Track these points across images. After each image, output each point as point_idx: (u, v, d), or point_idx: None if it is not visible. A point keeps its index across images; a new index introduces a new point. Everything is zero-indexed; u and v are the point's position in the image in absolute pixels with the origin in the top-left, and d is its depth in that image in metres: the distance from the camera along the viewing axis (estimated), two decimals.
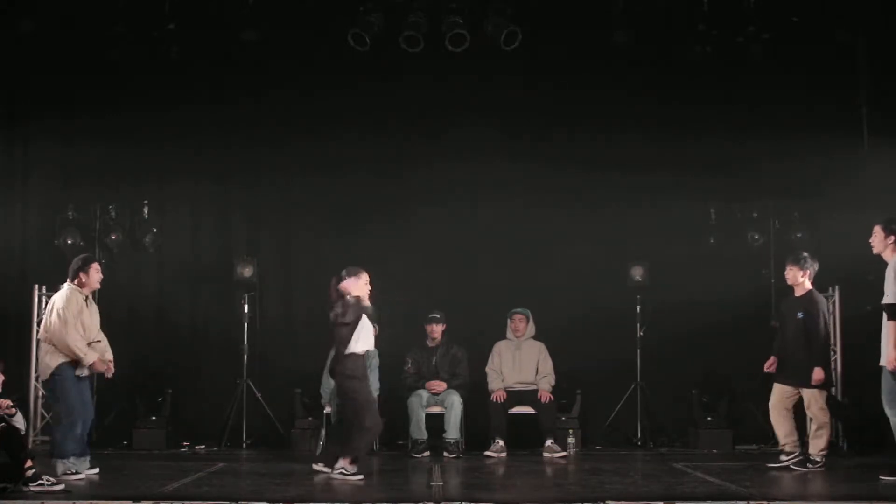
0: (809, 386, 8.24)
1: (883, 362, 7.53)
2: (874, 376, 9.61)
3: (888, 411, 7.56)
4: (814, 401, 8.30)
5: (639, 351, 10.38)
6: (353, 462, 7.68)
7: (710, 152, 10.53)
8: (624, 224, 10.53)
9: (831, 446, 8.70)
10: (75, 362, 7.67)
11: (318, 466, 8.02)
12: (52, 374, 7.67)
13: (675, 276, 10.29)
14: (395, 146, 10.71)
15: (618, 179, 10.51)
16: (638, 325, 10.39)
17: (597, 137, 10.59)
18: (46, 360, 7.71)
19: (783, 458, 8.37)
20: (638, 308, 10.38)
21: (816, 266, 8.52)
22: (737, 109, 10.57)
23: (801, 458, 8.30)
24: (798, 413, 8.52)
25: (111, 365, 7.94)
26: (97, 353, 7.79)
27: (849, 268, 9.87)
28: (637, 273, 10.28)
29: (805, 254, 8.61)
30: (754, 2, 10.02)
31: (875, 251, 7.74)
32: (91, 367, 7.74)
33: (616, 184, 10.53)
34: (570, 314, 10.27)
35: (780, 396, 8.44)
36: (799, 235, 10.32)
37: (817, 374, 8.18)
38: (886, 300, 7.48)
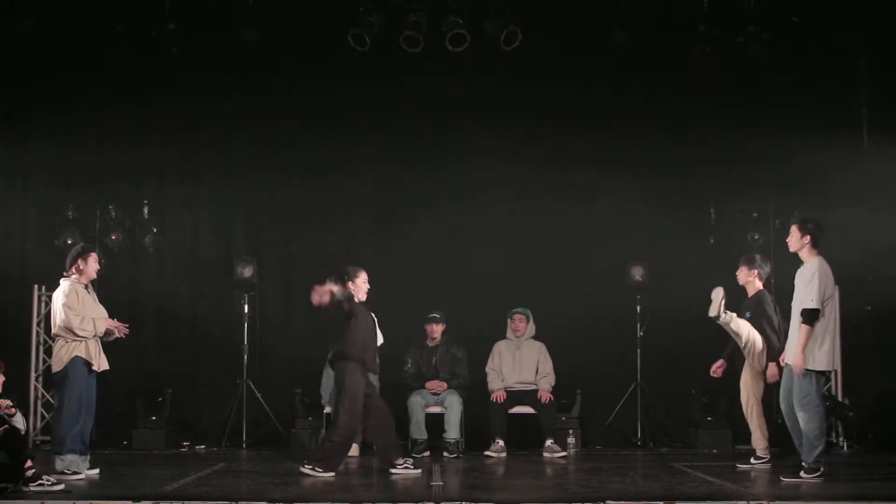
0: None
1: (789, 361, 7.55)
2: (874, 376, 9.64)
3: (788, 409, 7.57)
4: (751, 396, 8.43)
5: (639, 351, 10.39)
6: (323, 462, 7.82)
7: (710, 152, 10.54)
8: (624, 224, 10.53)
9: (830, 446, 8.69)
10: (90, 355, 7.72)
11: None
12: (65, 367, 7.71)
13: (675, 276, 10.28)
14: (395, 145, 10.70)
15: (618, 179, 10.51)
16: (638, 325, 10.40)
17: (597, 137, 10.56)
18: (60, 354, 7.76)
19: (752, 459, 8.41)
20: (638, 308, 10.39)
21: (768, 268, 8.66)
22: (736, 109, 10.57)
23: (768, 462, 8.30)
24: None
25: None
26: (102, 321, 7.87)
27: (848, 268, 9.88)
28: (637, 273, 10.28)
29: (757, 256, 8.78)
30: (754, 2, 10.02)
31: (791, 250, 7.76)
32: (107, 336, 7.90)
33: (616, 184, 10.52)
34: (570, 314, 10.25)
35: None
36: None
37: (771, 369, 8.25)
38: (809, 305, 7.43)
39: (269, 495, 6.85)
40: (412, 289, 10.23)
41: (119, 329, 7.97)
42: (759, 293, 8.52)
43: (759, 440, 8.49)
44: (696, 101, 10.57)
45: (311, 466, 7.78)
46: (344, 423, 7.91)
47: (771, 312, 8.40)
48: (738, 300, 8.76)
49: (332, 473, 7.78)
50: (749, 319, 8.39)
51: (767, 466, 8.27)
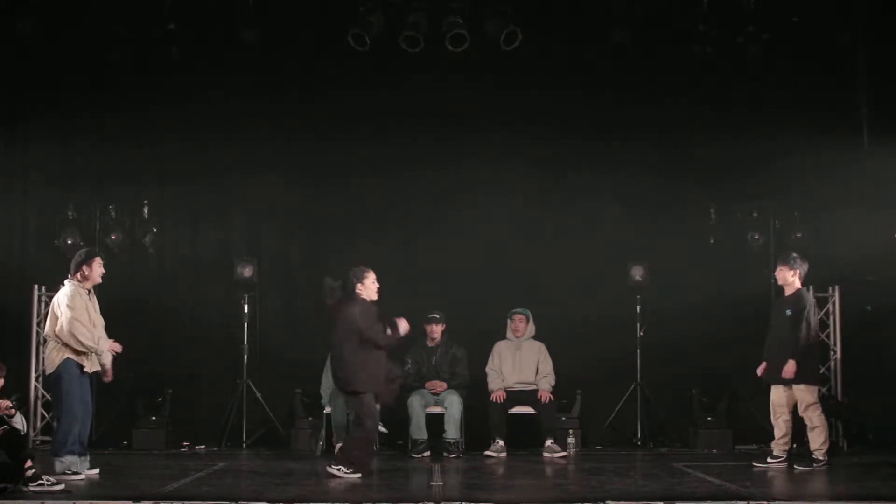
0: (796, 382, 8.28)
1: None
2: (874, 376, 9.62)
3: None
4: (802, 399, 8.33)
5: (639, 351, 10.38)
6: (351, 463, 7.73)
7: (710, 152, 10.54)
8: (624, 224, 10.53)
9: (832, 446, 8.67)
10: (81, 358, 7.68)
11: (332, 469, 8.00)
12: (57, 369, 7.67)
13: (675, 277, 10.30)
14: (395, 146, 10.70)
15: (618, 179, 10.53)
16: (638, 325, 10.39)
17: (597, 137, 10.58)
18: (52, 357, 7.71)
19: (769, 459, 8.41)
20: (638, 308, 10.38)
21: (806, 266, 8.55)
22: (736, 110, 10.57)
23: (785, 462, 8.28)
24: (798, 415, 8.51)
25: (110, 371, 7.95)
26: (106, 342, 7.82)
27: (849, 268, 9.89)
28: (637, 273, 10.27)
29: (794, 254, 8.67)
30: (754, 2, 10.02)
31: None
32: (102, 357, 7.77)
33: (616, 184, 10.54)
34: (570, 314, 10.26)
35: (776, 397, 8.49)
36: (799, 235, 10.32)
37: (788, 366, 8.22)
38: None
39: (269, 495, 6.84)
40: (412, 289, 10.23)
41: (113, 350, 7.94)
42: (799, 291, 8.47)
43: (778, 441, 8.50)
44: (696, 102, 10.57)
45: (338, 467, 7.68)
46: (368, 428, 7.85)
47: (810, 311, 8.38)
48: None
49: (360, 474, 7.66)
50: (790, 317, 8.36)
51: (783, 466, 8.26)
